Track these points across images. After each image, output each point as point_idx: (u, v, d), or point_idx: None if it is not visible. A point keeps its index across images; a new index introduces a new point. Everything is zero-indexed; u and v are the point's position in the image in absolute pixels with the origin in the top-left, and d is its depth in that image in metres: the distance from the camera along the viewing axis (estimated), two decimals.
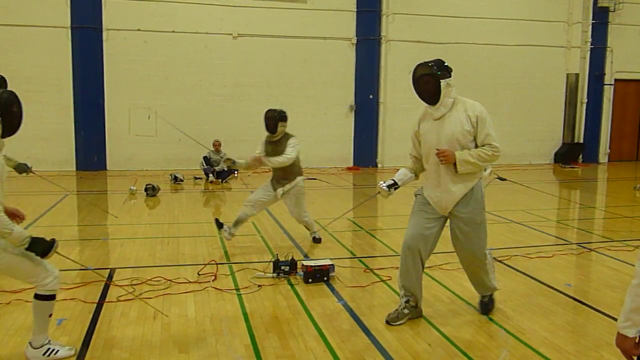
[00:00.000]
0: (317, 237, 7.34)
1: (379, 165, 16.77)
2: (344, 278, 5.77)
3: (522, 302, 5.14)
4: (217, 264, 6.03)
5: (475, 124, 4.39)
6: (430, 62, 4.44)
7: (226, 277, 5.77)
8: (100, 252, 6.87)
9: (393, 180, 4.84)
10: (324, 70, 16.22)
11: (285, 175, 6.91)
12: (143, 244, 7.12)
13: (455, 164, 4.35)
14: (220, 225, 7.16)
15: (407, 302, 4.68)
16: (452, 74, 4.48)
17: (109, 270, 5.97)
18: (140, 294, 5.19)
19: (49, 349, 3.87)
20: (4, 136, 3.74)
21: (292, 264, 5.81)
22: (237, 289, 5.40)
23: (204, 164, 13.55)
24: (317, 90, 16.22)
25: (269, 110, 6.98)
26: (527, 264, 6.38)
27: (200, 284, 5.54)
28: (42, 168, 14.29)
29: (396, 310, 4.69)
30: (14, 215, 3.98)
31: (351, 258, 6.64)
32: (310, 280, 5.56)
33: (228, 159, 6.95)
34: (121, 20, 14.83)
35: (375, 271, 6.03)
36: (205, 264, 6.05)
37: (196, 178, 13.54)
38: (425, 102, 4.52)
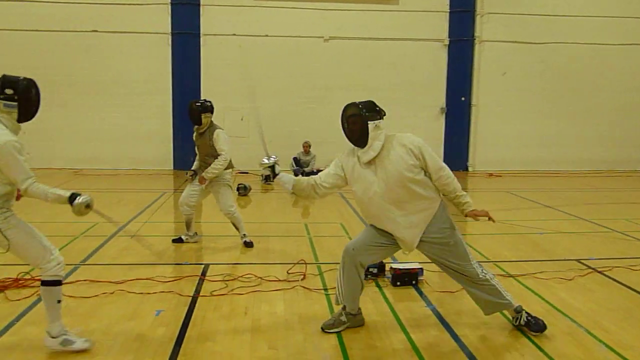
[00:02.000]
0: (247, 240, 7.15)
1: (470, 169, 16.37)
2: (432, 282, 5.67)
3: (624, 316, 4.84)
4: (306, 263, 6.10)
5: (420, 155, 4.13)
6: (360, 103, 4.30)
7: (315, 277, 5.83)
8: (194, 248, 7.14)
9: (278, 171, 4.60)
10: (415, 73, 16.04)
11: (206, 168, 6.89)
12: (235, 242, 7.32)
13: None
14: (179, 240, 7.24)
15: (344, 308, 4.50)
16: (383, 116, 4.29)
17: (202, 265, 6.20)
18: (232, 290, 5.35)
19: (66, 339, 3.98)
20: (20, 121, 3.87)
21: (380, 266, 5.78)
22: (325, 289, 5.44)
23: (294, 165, 13.78)
24: (407, 92, 16.06)
25: (191, 102, 6.98)
26: (629, 276, 5.99)
27: (289, 282, 5.64)
28: (142, 167, 15.14)
29: (334, 317, 4.53)
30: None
31: None
32: (398, 283, 5.52)
33: (193, 172, 7.09)
34: (217, 25, 15.40)
35: None
36: (295, 263, 6.14)
37: None
38: (354, 144, 4.34)
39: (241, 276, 5.77)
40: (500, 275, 5.94)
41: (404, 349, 4.15)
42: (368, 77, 15.91)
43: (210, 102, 6.94)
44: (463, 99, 16.21)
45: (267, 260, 6.55)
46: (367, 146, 4.22)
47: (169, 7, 15.23)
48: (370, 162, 4.23)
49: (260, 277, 5.74)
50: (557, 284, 5.65)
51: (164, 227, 8.54)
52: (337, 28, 15.77)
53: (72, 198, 3.85)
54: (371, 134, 4.19)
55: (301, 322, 4.63)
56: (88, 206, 3.92)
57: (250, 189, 11.58)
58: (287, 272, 5.93)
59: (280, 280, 5.69)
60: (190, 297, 5.14)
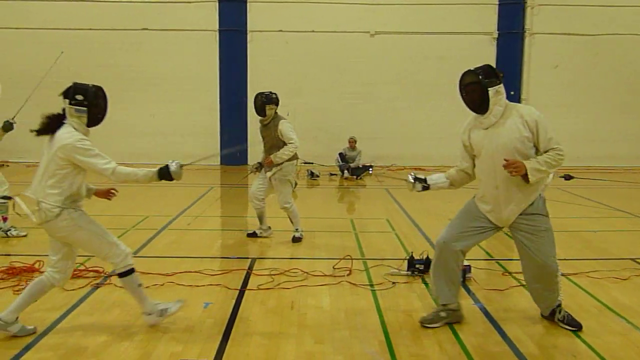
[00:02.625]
0: (297, 235, 7.15)
1: None
2: (480, 280, 5.58)
3: None
4: (352, 259, 6.10)
5: (534, 129, 4.08)
6: (477, 68, 4.21)
7: (360, 273, 5.82)
8: (241, 242, 7.23)
9: (424, 178, 4.63)
10: (462, 67, 15.36)
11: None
12: (281, 237, 7.38)
13: (525, 175, 4.02)
14: (253, 234, 7.30)
15: (444, 305, 4.45)
16: (502, 80, 4.19)
17: (249, 260, 6.27)
18: (279, 284, 5.40)
19: (160, 309, 4.33)
20: (89, 125, 4.13)
21: (427, 262, 5.71)
22: (372, 285, 5.43)
23: (339, 161, 13.78)
24: (454, 87, 15.69)
25: (257, 94, 6.98)
26: None
27: (335, 277, 5.64)
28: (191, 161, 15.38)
29: (433, 311, 4.49)
30: (108, 192, 4.46)
31: (488, 260, 6.41)
32: None
33: (258, 164, 7.15)
34: (264, 22, 15.52)
35: (514, 275, 5.76)
36: (341, 259, 6.14)
37: (331, 174, 13.80)
38: (474, 111, 4.27)
39: (287, 271, 5.81)
40: None
41: (451, 346, 4.09)
42: (414, 72, 15.76)
43: (275, 94, 7.00)
44: (512, 93, 15.84)
45: (313, 255, 6.58)
46: (488, 112, 4.19)
47: (217, 4, 15.44)
48: (489, 128, 4.22)
49: (307, 272, 5.76)
50: (611, 284, 5.48)
51: (211, 221, 8.68)
52: (383, 23, 15.67)
53: (162, 171, 4.13)
54: (491, 99, 4.16)
55: (347, 317, 4.63)
56: (181, 166, 4.22)
57: (296, 184, 11.60)
58: (333, 268, 5.94)
59: (326, 275, 5.70)
60: (238, 291, 5.21)
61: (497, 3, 15.64)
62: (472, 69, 4.26)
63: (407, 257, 5.83)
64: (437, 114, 15.88)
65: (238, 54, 15.62)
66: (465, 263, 5.58)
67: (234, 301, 4.95)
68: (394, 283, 5.46)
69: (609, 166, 15.80)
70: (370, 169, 13.89)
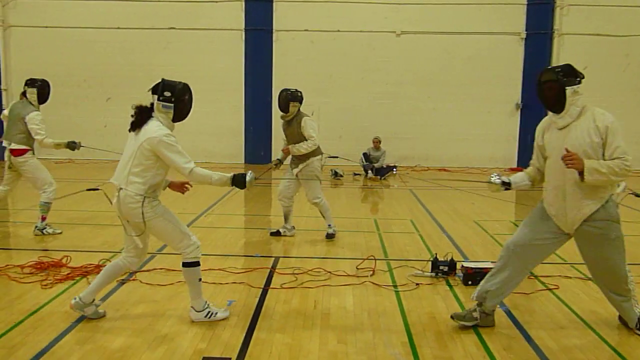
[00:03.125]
0: (330, 232, 7.20)
1: None
2: None
3: None
4: (375, 259, 6.07)
5: (604, 135, 3.97)
6: (557, 67, 4.13)
7: (384, 273, 5.80)
8: (265, 241, 7.26)
9: (509, 179, 4.55)
10: (489, 67, 15.63)
11: (299, 157, 7.00)
12: (304, 236, 7.39)
13: (582, 173, 3.91)
14: (277, 233, 7.32)
15: (479, 305, 4.38)
16: (582, 80, 4.09)
17: (273, 258, 6.29)
18: (302, 283, 5.40)
19: (209, 312, 4.43)
20: (174, 120, 4.35)
21: (452, 264, 5.68)
22: (395, 286, 5.40)
23: (364, 161, 13.75)
24: (481, 87, 15.69)
25: (282, 90, 7.00)
26: None
27: (358, 277, 5.63)
28: (215, 160, 15.53)
29: (468, 310, 4.43)
30: (182, 186, 4.71)
31: None
32: (469, 282, 5.40)
33: (278, 161, 7.27)
34: (290, 21, 15.56)
35: (541, 278, 5.68)
36: (364, 259, 6.12)
37: (355, 174, 13.78)
38: (549, 109, 4.19)
39: (311, 270, 5.82)
40: (579, 278, 5.71)
41: (476, 349, 4.05)
42: (441, 72, 15.65)
43: (300, 92, 7.07)
44: None
45: (336, 255, 6.57)
46: (563, 112, 4.12)
47: (243, 3, 15.53)
48: (563, 128, 4.15)
49: (330, 272, 5.76)
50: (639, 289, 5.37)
51: (234, 219, 8.73)
52: (409, 22, 15.59)
53: (235, 178, 4.33)
54: (569, 99, 4.08)
55: (370, 317, 4.61)
56: (255, 178, 4.43)
57: (321, 181, 11.62)
58: (357, 268, 5.92)
59: (349, 275, 5.69)
60: (261, 289, 5.23)
61: (526, 3, 15.44)
62: (552, 66, 4.22)
63: (431, 259, 5.79)
64: (463, 115, 15.76)
65: (264, 54, 15.69)
66: (490, 265, 5.54)
67: (257, 299, 4.97)
68: (417, 284, 5.43)
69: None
70: (395, 169, 13.84)
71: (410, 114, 15.72)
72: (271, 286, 5.33)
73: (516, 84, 15.72)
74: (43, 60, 15.62)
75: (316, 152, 7.07)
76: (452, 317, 4.42)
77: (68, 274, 5.45)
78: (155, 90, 4.30)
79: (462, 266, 5.58)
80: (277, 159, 7.30)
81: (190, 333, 4.22)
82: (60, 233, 7.17)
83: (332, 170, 13.36)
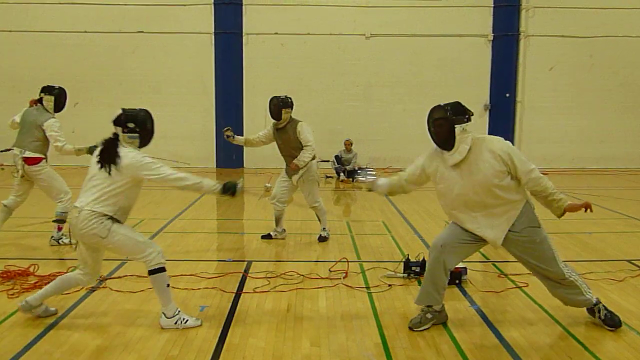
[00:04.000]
0: (324, 235, 7.27)
1: None
2: (476, 282, 5.59)
3: None
4: (348, 261, 6.09)
5: (509, 161, 4.08)
6: (447, 104, 4.22)
7: (357, 275, 5.82)
8: (237, 245, 7.23)
9: (373, 181, 4.80)
10: (458, 69, 15.82)
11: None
12: (277, 239, 7.37)
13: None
14: (268, 236, 7.36)
15: (429, 306, 4.46)
16: (470, 118, 4.22)
17: (245, 262, 6.26)
18: (275, 287, 5.39)
19: (180, 318, 4.39)
20: (141, 147, 4.44)
21: (423, 265, 5.71)
22: (368, 287, 5.42)
23: (335, 163, 13.78)
24: (450, 89, 15.85)
25: (273, 98, 6.97)
26: None
27: (331, 280, 5.64)
28: (187, 165, 15.37)
29: (419, 315, 4.50)
30: None
31: (484, 262, 6.40)
32: None
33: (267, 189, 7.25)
34: (260, 24, 15.53)
35: (511, 277, 5.77)
36: (337, 262, 6.14)
37: (327, 177, 13.79)
38: (440, 147, 4.27)
39: (284, 273, 5.81)
40: None
41: (448, 348, 4.10)
42: (410, 74, 15.79)
43: (290, 98, 7.01)
44: (508, 95, 15.91)
45: (309, 258, 6.57)
46: (453, 149, 4.18)
47: (212, 7, 15.43)
48: (456, 165, 4.19)
49: (303, 275, 5.76)
50: (607, 285, 5.49)
51: (206, 224, 8.67)
52: (378, 25, 15.69)
53: (226, 188, 4.45)
54: (458, 137, 4.15)
55: (344, 320, 4.62)
56: (241, 189, 4.57)
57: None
58: (330, 270, 5.93)
59: (322, 278, 5.69)
60: (234, 294, 5.20)
61: (492, 5, 15.68)
62: (441, 104, 4.27)
63: (403, 260, 5.82)
64: None
65: (234, 57, 15.62)
66: (462, 265, 5.61)
67: (230, 304, 4.94)
68: (390, 285, 5.46)
69: (605, 167, 15.85)
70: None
71: (381, 116, 15.81)
72: (244, 290, 5.30)
73: (484, 85, 15.95)
74: (7, 64, 15.30)
75: (314, 156, 7.08)
76: (409, 327, 4.42)
77: (35, 282, 5.34)
78: (117, 122, 4.36)
79: None
80: (233, 136, 7.25)
81: (162, 340, 4.17)
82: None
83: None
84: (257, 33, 15.60)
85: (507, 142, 4.20)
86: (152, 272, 4.33)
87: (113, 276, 5.66)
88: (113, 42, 15.46)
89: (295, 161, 6.93)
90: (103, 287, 5.32)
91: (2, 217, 6.82)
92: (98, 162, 4.31)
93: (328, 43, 15.67)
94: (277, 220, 7.35)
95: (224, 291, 5.26)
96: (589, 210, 4.21)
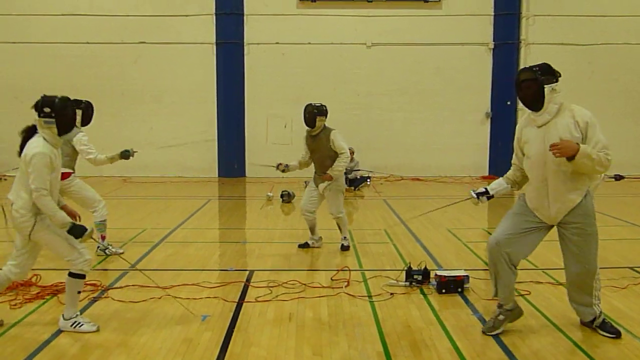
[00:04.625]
0: (345, 244, 7.26)
1: None
2: (479, 290, 5.58)
3: None
4: (350, 270, 6.09)
5: (584, 130, 4.13)
6: (535, 66, 4.26)
7: (359, 284, 5.81)
8: (239, 254, 7.22)
9: (485, 188, 4.71)
10: (459, 77, 15.84)
11: (326, 170, 6.94)
12: (279, 248, 7.38)
13: (572, 156, 3.98)
14: (305, 245, 7.37)
15: (499, 306, 4.49)
16: (559, 78, 4.26)
17: (247, 272, 6.26)
18: (277, 296, 5.38)
19: (76, 321, 4.51)
20: (60, 134, 4.44)
21: (425, 273, 5.72)
22: (370, 296, 5.41)
23: None
24: (451, 97, 15.89)
25: (308, 105, 6.95)
26: None
27: (333, 289, 5.63)
28: (188, 175, 15.43)
29: (491, 318, 4.52)
30: (72, 214, 4.66)
31: (486, 270, 6.37)
32: (443, 290, 5.44)
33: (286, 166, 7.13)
34: (261, 34, 15.58)
35: None
36: (339, 270, 6.14)
37: None
38: (528, 107, 4.31)
39: (285, 282, 5.80)
40: (550, 283, 5.80)
41: (450, 357, 4.08)
42: (412, 83, 15.82)
43: (325, 106, 7.00)
44: (509, 103, 15.90)
45: (311, 266, 6.57)
46: (542, 109, 4.22)
47: (214, 17, 15.49)
48: (543, 125, 4.23)
49: (305, 284, 5.75)
50: (610, 292, 5.46)
51: (208, 233, 8.67)
52: (379, 34, 15.74)
53: (74, 228, 4.38)
54: (547, 97, 4.19)
55: (345, 328, 4.62)
56: (91, 237, 4.53)
57: (294, 195, 11.64)
58: (331, 279, 5.93)
59: (324, 287, 5.69)
60: (236, 303, 5.19)
61: (493, 14, 15.72)
62: (529, 66, 4.31)
63: (405, 268, 5.82)
64: (435, 125, 15.93)
65: (235, 67, 15.66)
66: (464, 273, 5.61)
67: (232, 313, 4.94)
68: (392, 294, 5.45)
69: (606, 174, 15.80)
70: (369, 180, 13.89)
71: (382, 125, 15.82)
72: (246, 299, 5.30)
73: (486, 93, 15.96)
74: (12, 74, 15.36)
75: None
76: (483, 332, 4.47)
77: (38, 293, 5.35)
78: (35, 106, 4.40)
79: (436, 275, 5.62)
80: (286, 165, 7.14)
81: (164, 349, 4.17)
82: (122, 253, 6.90)
83: (306, 183, 13.32)
84: (258, 43, 15.65)
85: (590, 113, 4.24)
86: (72, 275, 4.45)
87: (115, 286, 5.66)
88: (115, 53, 15.52)
89: (329, 171, 6.91)
90: (105, 297, 5.32)
91: None
92: (19, 151, 4.41)
93: (329, 52, 15.71)
94: (312, 229, 7.34)
95: (225, 300, 5.26)
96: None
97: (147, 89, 15.67)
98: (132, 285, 5.67)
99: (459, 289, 5.47)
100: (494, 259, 4.40)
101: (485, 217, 9.89)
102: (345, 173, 13.60)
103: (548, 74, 4.20)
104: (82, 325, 4.50)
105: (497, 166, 15.98)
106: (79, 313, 4.57)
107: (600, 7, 15.65)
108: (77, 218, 4.64)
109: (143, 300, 5.24)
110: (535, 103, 4.22)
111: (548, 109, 4.20)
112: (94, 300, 5.23)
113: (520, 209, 4.49)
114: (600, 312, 4.48)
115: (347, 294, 5.48)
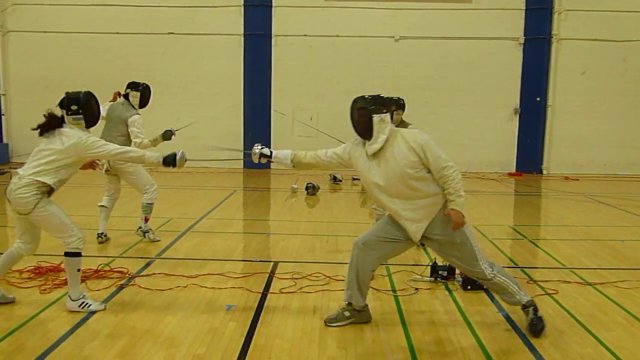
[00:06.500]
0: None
1: (545, 172, 15.81)
2: None
3: None
4: None
5: (421, 152, 4.16)
6: (369, 96, 4.34)
7: (383, 278, 5.79)
8: (264, 245, 7.26)
9: (271, 152, 4.81)
10: (488, 72, 15.66)
11: None
12: (303, 240, 7.39)
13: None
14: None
15: (349, 303, 4.52)
16: (390, 109, 4.33)
17: (272, 263, 6.28)
18: (301, 288, 5.40)
19: (83, 302, 4.63)
20: (87, 127, 4.65)
21: (451, 269, 5.67)
22: (394, 291, 5.40)
23: None
24: (479, 92, 15.71)
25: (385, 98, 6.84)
26: None
27: None
28: (215, 165, 15.51)
29: (337, 311, 4.60)
30: (92, 164, 5.18)
31: (513, 267, 6.32)
32: (469, 287, 5.39)
33: None
34: (289, 26, 15.59)
35: (540, 283, 5.68)
36: None
37: (354, 179, 13.76)
38: (360, 136, 4.40)
39: (310, 275, 5.81)
40: (578, 283, 5.71)
41: (475, 354, 4.05)
42: (439, 77, 15.68)
43: (402, 99, 6.94)
44: (538, 99, 15.69)
45: (335, 259, 6.56)
46: (372, 139, 4.30)
47: (242, 9, 15.54)
48: (375, 155, 4.31)
49: (329, 277, 5.76)
50: (638, 294, 5.36)
51: (234, 224, 8.72)
52: (408, 28, 15.62)
53: (168, 159, 4.74)
54: (376, 127, 4.27)
55: (370, 322, 4.60)
56: (186, 159, 4.84)
57: (319, 188, 11.65)
58: None
59: None
60: (260, 294, 5.22)
61: (524, 8, 15.48)
62: (364, 95, 4.42)
63: (430, 264, 5.78)
64: (461, 120, 15.77)
65: (262, 59, 15.70)
66: None
67: (256, 304, 4.96)
68: (416, 289, 5.42)
69: (638, 174, 15.51)
70: None
71: (409, 119, 15.62)
72: (270, 291, 5.32)
73: (514, 89, 15.74)
74: (42, 65, 15.63)
75: None
76: (324, 322, 4.53)
77: (66, 278, 5.43)
78: (62, 105, 4.58)
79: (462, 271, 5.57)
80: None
81: (190, 338, 4.21)
82: (159, 241, 7.09)
83: (330, 175, 13.36)
84: (285, 35, 15.66)
85: (425, 135, 4.29)
86: (67, 254, 4.57)
87: (142, 274, 5.73)
88: (144, 43, 15.68)
89: None
90: (132, 285, 5.39)
91: (103, 217, 7.00)
92: (45, 136, 4.55)
93: (356, 45, 15.65)
94: None
95: (250, 291, 5.29)
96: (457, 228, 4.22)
97: (175, 79, 15.79)
98: (159, 274, 5.74)
99: (485, 286, 5.41)
100: (354, 259, 4.49)
101: (511, 214, 9.79)
102: None
103: (378, 104, 4.29)
104: (90, 305, 4.63)
105: (525, 163, 15.80)
106: (85, 293, 4.71)
107: (636, 3, 15.30)
108: (95, 165, 5.18)
109: (169, 289, 5.29)
110: (366, 131, 4.31)
111: (378, 138, 4.27)
112: (121, 287, 5.30)
113: (391, 219, 4.49)
114: (532, 306, 4.41)
115: (371, 287, 5.43)
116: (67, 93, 4.63)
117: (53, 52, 15.75)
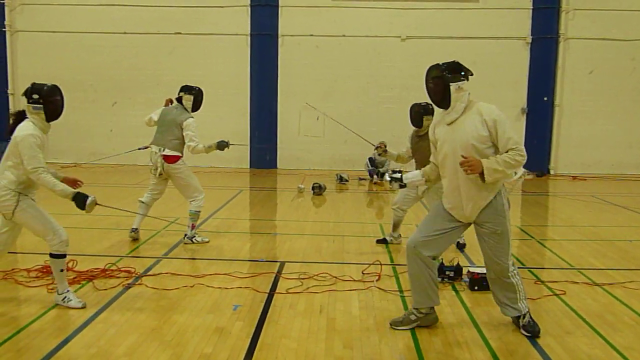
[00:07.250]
0: (461, 242, 7.05)
1: (552, 172, 15.74)
2: None
3: None
4: (381, 264, 6.06)
5: (492, 128, 4.08)
6: (444, 63, 4.23)
7: (390, 278, 5.78)
8: (270, 245, 7.26)
9: (400, 175, 4.79)
10: (494, 72, 15.58)
11: None
12: (310, 240, 7.39)
13: (482, 174, 4.02)
14: (384, 241, 7.29)
15: (416, 308, 4.47)
16: (467, 77, 4.25)
17: (278, 263, 6.29)
18: (308, 288, 5.39)
19: (66, 297, 4.78)
20: (48, 120, 4.65)
21: (457, 270, 5.66)
22: (401, 291, 5.38)
23: (369, 165, 13.74)
24: (486, 92, 15.54)
25: (414, 105, 6.86)
26: None
27: (364, 282, 5.62)
28: (221, 165, 15.54)
29: (405, 313, 4.56)
30: (75, 182, 4.96)
31: (520, 268, 6.27)
32: (476, 287, 5.38)
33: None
34: (295, 26, 15.58)
35: (547, 284, 5.66)
36: (370, 264, 6.11)
37: (360, 179, 13.76)
38: (436, 105, 4.34)
39: (316, 275, 5.81)
40: (585, 283, 5.68)
41: (482, 354, 4.04)
42: None
43: (431, 104, 6.93)
44: (546, 99, 15.60)
45: (342, 259, 6.56)
46: (450, 107, 4.23)
47: (249, 9, 15.55)
48: (451, 123, 4.25)
49: (336, 277, 5.75)
50: None
51: (240, 224, 8.73)
52: (414, 27, 15.58)
53: (77, 196, 4.60)
54: (453, 95, 4.20)
55: (376, 323, 4.60)
56: (96, 203, 4.69)
57: (326, 188, 11.65)
58: (362, 273, 5.91)
59: (355, 280, 5.68)
60: (267, 294, 5.22)
61: (531, 7, 15.40)
62: (439, 63, 4.30)
63: (437, 264, 5.75)
64: None
65: (269, 59, 15.70)
66: None
67: (262, 304, 4.96)
68: None
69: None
70: (400, 174, 13.77)
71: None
72: (277, 291, 5.32)
73: (522, 88, 15.67)
74: (50, 65, 15.68)
75: None
76: (390, 324, 4.50)
77: (74, 278, 5.45)
78: (25, 93, 4.63)
79: (469, 271, 5.56)
80: (385, 149, 7.21)
81: (196, 337, 4.22)
82: (208, 242, 7.13)
83: (337, 175, 13.35)
84: (292, 35, 15.66)
85: (502, 113, 4.20)
86: (52, 256, 4.68)
87: (149, 273, 5.75)
88: (151, 43, 15.72)
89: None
90: (139, 284, 5.40)
91: (142, 212, 7.06)
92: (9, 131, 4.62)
93: (363, 45, 15.63)
94: (395, 226, 7.24)
95: (257, 291, 5.29)
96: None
97: (182, 79, 15.62)
98: (165, 273, 5.75)
99: (496, 284, 5.38)
100: (411, 261, 4.42)
101: (518, 215, 9.73)
102: (377, 167, 13.58)
103: (455, 72, 4.20)
104: (71, 300, 4.76)
105: (532, 162, 15.68)
106: (69, 289, 4.83)
107: None
108: (79, 184, 4.95)
109: (176, 288, 5.30)
110: (443, 101, 4.23)
111: (455, 107, 4.21)
112: (129, 286, 5.32)
113: (437, 211, 4.51)
114: (527, 312, 4.42)
115: (378, 288, 5.46)
116: (33, 82, 4.67)
117: (61, 52, 15.81)
